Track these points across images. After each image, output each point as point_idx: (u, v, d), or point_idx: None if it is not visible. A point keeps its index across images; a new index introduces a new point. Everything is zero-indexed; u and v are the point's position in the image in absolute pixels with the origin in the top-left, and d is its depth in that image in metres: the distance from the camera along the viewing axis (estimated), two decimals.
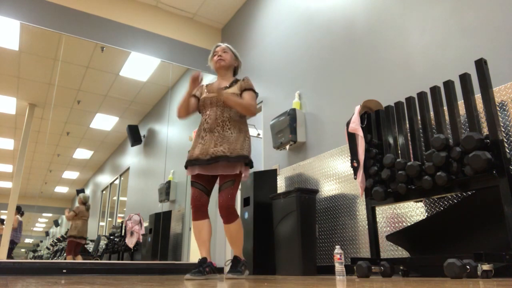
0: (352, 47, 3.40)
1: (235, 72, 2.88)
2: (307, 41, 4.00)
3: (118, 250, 5.24)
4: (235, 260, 2.53)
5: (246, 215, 3.72)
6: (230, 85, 2.70)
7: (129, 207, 5.61)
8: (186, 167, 2.57)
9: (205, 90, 2.74)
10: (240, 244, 2.56)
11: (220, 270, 4.74)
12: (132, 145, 5.73)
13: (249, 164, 2.57)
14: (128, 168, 5.85)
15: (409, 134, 2.28)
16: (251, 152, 2.68)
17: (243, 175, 2.56)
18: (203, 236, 2.52)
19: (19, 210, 4.40)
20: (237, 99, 2.53)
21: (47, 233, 5.27)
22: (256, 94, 2.71)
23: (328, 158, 3.42)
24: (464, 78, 2.00)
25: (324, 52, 3.73)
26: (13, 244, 4.48)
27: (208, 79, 5.81)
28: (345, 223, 3.10)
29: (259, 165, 5.22)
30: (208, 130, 2.56)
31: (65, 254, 4.89)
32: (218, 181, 2.63)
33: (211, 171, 2.51)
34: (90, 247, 5.28)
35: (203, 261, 2.44)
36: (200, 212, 2.54)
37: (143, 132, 5.80)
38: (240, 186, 4.45)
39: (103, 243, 5.37)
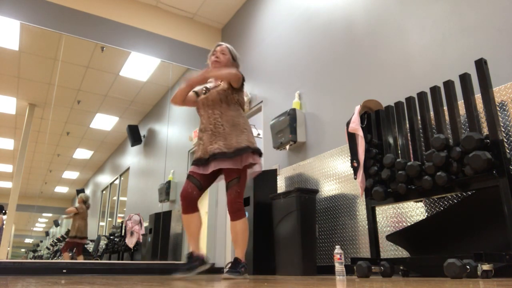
0: (352, 47, 3.40)
1: None
2: (307, 41, 4.00)
3: (118, 250, 5.24)
4: (235, 261, 2.47)
5: (246, 215, 3.72)
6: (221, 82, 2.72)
7: (129, 207, 5.61)
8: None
9: (203, 92, 2.75)
10: (243, 245, 2.52)
11: (221, 270, 4.74)
12: (132, 145, 5.73)
13: (257, 152, 2.54)
14: (128, 168, 5.85)
15: (409, 134, 2.28)
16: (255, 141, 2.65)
17: (258, 164, 2.57)
18: (192, 229, 2.53)
19: (1, 209, 4.37)
20: (219, 71, 2.56)
21: (47, 233, 5.27)
22: (243, 78, 2.70)
23: (328, 158, 3.41)
24: (464, 78, 2.00)
25: (324, 52, 3.73)
26: None
27: None
28: (345, 223, 3.10)
29: None
30: (204, 131, 2.60)
31: (71, 254, 4.89)
32: (224, 178, 2.62)
33: (210, 168, 2.49)
34: (90, 247, 5.28)
35: (189, 256, 2.45)
36: (190, 206, 2.53)
37: (143, 132, 5.81)
38: None
39: (103, 243, 5.37)
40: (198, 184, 2.56)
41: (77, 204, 5.06)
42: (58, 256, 5.09)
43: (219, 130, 2.54)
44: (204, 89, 2.77)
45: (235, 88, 2.66)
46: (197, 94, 2.79)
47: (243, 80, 2.71)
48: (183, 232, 5.32)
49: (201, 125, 2.65)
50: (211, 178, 2.65)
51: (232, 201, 2.51)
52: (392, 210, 2.73)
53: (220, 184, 5.11)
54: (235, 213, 2.52)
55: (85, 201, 5.10)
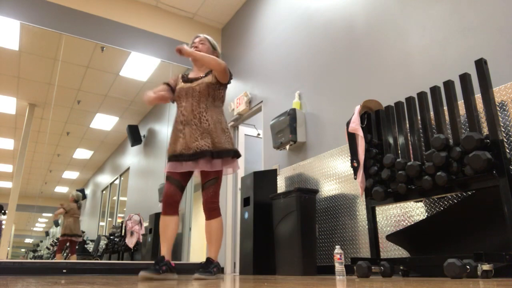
0: (352, 47, 3.40)
1: None
2: (307, 41, 4.00)
3: (118, 250, 5.24)
4: (208, 262, 2.40)
5: (246, 215, 3.72)
6: (206, 75, 2.64)
7: (129, 207, 5.62)
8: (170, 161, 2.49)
9: (181, 80, 2.68)
10: (217, 245, 2.46)
11: (221, 270, 4.74)
12: (132, 145, 5.73)
13: (236, 155, 2.51)
14: (128, 168, 5.86)
15: (409, 134, 2.28)
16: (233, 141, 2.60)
17: (231, 168, 2.50)
18: (168, 233, 2.45)
19: (1, 209, 4.37)
20: (207, 55, 2.50)
21: (47, 233, 5.27)
22: (230, 74, 2.66)
23: (328, 158, 3.41)
24: (464, 78, 2.00)
25: (324, 52, 3.73)
26: None
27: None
28: (345, 223, 3.10)
29: (259, 165, 5.22)
30: (185, 123, 2.50)
31: (65, 254, 4.89)
32: (200, 176, 2.53)
33: (194, 167, 2.42)
34: (90, 247, 5.28)
35: (160, 259, 2.35)
36: (171, 208, 2.46)
37: (143, 132, 5.81)
38: (240, 186, 4.45)
39: (103, 243, 5.38)
40: (180, 185, 2.49)
41: (65, 204, 5.02)
42: None
43: (204, 125, 2.47)
44: (184, 77, 2.68)
45: (222, 84, 2.62)
46: (169, 86, 2.71)
47: (231, 76, 2.65)
48: (183, 232, 5.32)
49: (182, 117, 2.52)
50: (188, 176, 2.56)
51: (208, 200, 2.45)
52: (392, 210, 2.73)
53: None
54: (211, 212, 2.46)
55: (76, 200, 5.09)
